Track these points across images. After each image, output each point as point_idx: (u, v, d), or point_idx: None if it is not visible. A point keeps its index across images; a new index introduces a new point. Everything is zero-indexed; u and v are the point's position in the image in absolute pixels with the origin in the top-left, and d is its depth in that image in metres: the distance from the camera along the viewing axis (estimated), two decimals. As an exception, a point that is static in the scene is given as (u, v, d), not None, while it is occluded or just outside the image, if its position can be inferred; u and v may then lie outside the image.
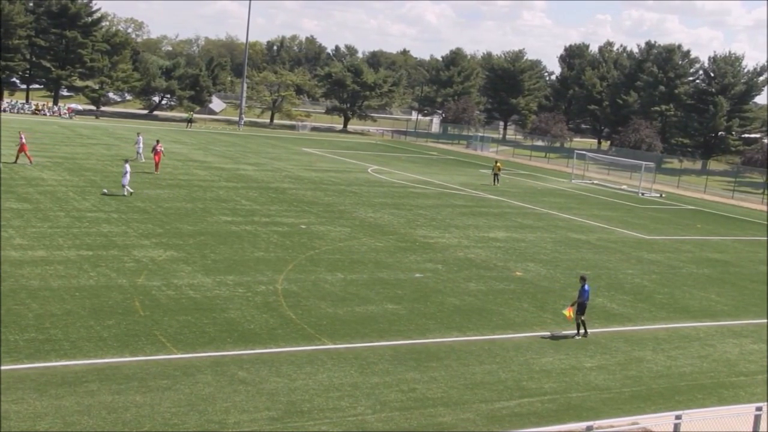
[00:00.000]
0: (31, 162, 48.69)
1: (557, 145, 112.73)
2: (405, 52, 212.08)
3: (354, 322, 23.92)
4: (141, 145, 57.47)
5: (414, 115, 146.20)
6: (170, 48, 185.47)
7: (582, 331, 24.49)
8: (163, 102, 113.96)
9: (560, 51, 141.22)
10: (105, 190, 41.37)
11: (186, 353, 19.85)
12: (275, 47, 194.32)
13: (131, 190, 41.02)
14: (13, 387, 16.76)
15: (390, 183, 58.80)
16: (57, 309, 22.15)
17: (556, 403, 19.04)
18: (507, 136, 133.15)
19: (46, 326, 20.65)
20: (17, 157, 48.81)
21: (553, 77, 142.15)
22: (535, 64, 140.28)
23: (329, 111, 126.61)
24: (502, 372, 20.79)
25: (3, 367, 17.75)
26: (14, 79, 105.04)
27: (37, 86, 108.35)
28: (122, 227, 33.51)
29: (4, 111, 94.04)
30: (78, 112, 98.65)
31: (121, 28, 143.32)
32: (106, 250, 29.37)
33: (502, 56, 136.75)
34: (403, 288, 28.33)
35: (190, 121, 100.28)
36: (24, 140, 49.34)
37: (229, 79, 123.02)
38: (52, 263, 26.78)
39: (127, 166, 41.23)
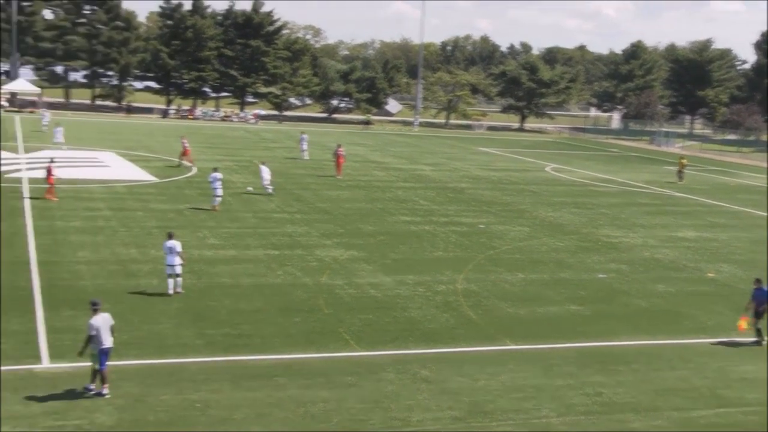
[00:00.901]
0: (191, 165, 51.04)
1: (751, 138, 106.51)
2: (582, 48, 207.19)
3: (535, 322, 23.51)
4: (305, 144, 59.92)
5: (592, 112, 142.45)
6: (347, 52, 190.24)
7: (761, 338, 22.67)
8: (341, 105, 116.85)
9: (755, 37, 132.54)
10: (250, 188, 42.67)
11: (369, 351, 20.15)
12: (449, 47, 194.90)
13: (270, 189, 41.96)
14: (212, 378, 17.61)
15: (570, 181, 57.54)
16: (247, 306, 23.10)
17: (760, 415, 17.79)
18: (694, 131, 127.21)
19: (238, 322, 21.58)
20: (180, 162, 51.36)
21: (746, 66, 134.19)
22: (725, 53, 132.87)
23: (505, 110, 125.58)
24: (695, 379, 19.74)
25: (202, 359, 18.72)
26: (205, 89, 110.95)
27: (225, 94, 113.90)
28: (305, 227, 34.56)
29: (197, 118, 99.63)
30: (262, 118, 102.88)
31: (301, 35, 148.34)
32: (291, 249, 30.37)
33: (687, 47, 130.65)
34: (586, 289, 27.57)
35: (367, 123, 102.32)
36: (187, 145, 51.91)
37: (405, 80, 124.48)
38: (242, 262, 27.97)
39: (263, 168, 42.22)
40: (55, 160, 40.20)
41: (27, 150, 53.98)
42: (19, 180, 41.30)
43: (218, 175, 37.27)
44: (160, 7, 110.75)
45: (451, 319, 23.22)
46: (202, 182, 44.98)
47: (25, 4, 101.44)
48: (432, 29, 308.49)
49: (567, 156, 78.34)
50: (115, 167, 49.39)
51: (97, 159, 52.59)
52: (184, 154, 51.36)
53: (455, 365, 19.44)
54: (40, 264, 25.71)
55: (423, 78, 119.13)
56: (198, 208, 37.03)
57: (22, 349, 18.46)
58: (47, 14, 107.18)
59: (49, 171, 37.43)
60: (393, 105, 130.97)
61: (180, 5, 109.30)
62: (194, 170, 49.60)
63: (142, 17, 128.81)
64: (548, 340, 21.88)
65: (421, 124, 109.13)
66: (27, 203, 35.27)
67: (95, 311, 16.58)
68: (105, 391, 16.29)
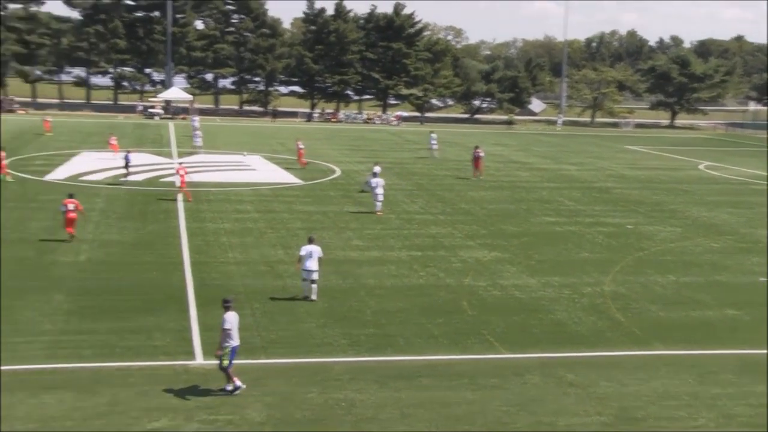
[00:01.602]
0: (304, 165, 51.76)
1: None
2: (740, 38, 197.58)
3: (689, 327, 22.51)
4: (435, 143, 60.70)
5: (752, 106, 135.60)
6: (489, 52, 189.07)
7: None
8: (483, 105, 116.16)
9: None
10: (372, 180, 41.75)
11: (514, 353, 19.83)
12: (594, 44, 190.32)
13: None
14: (357, 378, 17.77)
15: (726, 180, 54.99)
16: (391, 306, 23.21)
17: None
18: None
19: (383, 323, 21.71)
20: (301, 163, 52.21)
21: None
22: None
23: (654, 106, 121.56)
24: None
25: (347, 359, 18.94)
26: (348, 92, 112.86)
27: (367, 97, 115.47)
28: (448, 229, 34.47)
29: (340, 121, 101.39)
30: (404, 119, 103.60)
31: (442, 36, 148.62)
32: (434, 250, 30.34)
33: None
34: (746, 293, 26.18)
35: (509, 123, 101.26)
36: (302, 147, 52.71)
37: (548, 79, 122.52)
38: (385, 263, 28.16)
39: (377, 169, 42.13)
40: (184, 163, 41.93)
41: (180, 155, 56.40)
42: (173, 183, 43.15)
43: (380, 180, 37.65)
44: (304, 12, 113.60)
45: (599, 322, 22.55)
46: (346, 184, 45.76)
47: (178, 16, 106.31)
48: (576, 26, 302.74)
49: (722, 153, 74.96)
50: (261, 170, 50.89)
51: (244, 162, 54.34)
52: (298, 156, 52.44)
53: (603, 369, 18.85)
54: (192, 264, 26.73)
55: (567, 76, 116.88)
56: (359, 212, 37.62)
57: (177, 345, 19.22)
58: (198, 25, 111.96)
59: (180, 173, 39.12)
60: (536, 104, 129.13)
61: (323, 10, 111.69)
62: (338, 172, 50.47)
63: (286, 24, 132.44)
64: (703, 346, 20.90)
65: (566, 123, 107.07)
66: (180, 206, 36.79)
67: (227, 308, 16.95)
68: (229, 387, 16.70)
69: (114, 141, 54.44)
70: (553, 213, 39.31)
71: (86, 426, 14.92)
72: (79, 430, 14.77)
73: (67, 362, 17.82)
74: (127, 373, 17.37)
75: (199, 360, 18.36)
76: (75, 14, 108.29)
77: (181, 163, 41.43)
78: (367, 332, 20.90)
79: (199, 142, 59.61)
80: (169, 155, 56.17)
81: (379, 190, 37.31)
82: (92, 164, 49.62)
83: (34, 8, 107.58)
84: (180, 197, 38.24)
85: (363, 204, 39.33)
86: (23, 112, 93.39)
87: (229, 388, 16.61)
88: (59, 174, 45.24)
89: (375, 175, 39.24)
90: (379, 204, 37.20)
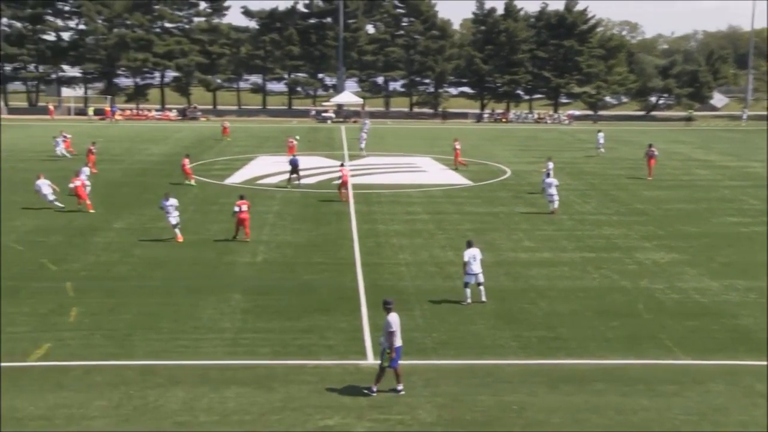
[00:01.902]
0: (464, 166, 51.43)
1: None
2: None
3: None
4: (602, 140, 60.19)
5: None
6: (666, 46, 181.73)
7: None
8: (660, 102, 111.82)
9: None
10: (546, 180, 39.69)
11: (694, 359, 18.86)
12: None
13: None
14: (528, 381, 17.47)
15: None
16: (563, 308, 22.67)
17: None
18: None
19: (554, 325, 21.23)
20: (457, 164, 51.92)
21: None
22: None
23: None
24: None
25: (518, 361, 18.64)
26: (518, 91, 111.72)
27: (538, 96, 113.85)
28: (623, 230, 33.34)
29: (511, 122, 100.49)
30: (576, 118, 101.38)
31: (616, 32, 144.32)
32: (608, 252, 29.42)
33: None
34: None
35: (689, 119, 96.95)
36: (458, 147, 52.34)
37: (732, 72, 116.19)
38: (557, 265, 27.56)
39: (550, 165, 40.61)
40: (346, 166, 42.66)
41: (351, 158, 57.61)
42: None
43: (553, 180, 37.06)
44: (473, 13, 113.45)
45: (789, 328, 21.10)
46: (516, 185, 45.23)
47: (350, 21, 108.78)
48: (763, 14, 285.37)
49: None
50: (431, 172, 51.13)
51: (414, 164, 54.80)
52: (455, 157, 52.18)
53: (795, 380, 17.59)
54: (364, 265, 27.17)
55: (754, 67, 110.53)
56: (530, 213, 37.21)
57: (348, 345, 19.56)
58: (369, 29, 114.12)
59: (342, 173, 40.03)
60: (718, 99, 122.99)
61: (493, 10, 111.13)
62: (509, 173, 49.98)
63: (456, 25, 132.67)
64: None
65: (751, 118, 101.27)
66: (352, 208, 37.52)
67: (389, 310, 16.97)
68: (400, 387, 16.74)
69: (293, 143, 56.22)
70: (736, 213, 37.24)
71: (262, 420, 15.44)
72: (255, 424, 15.30)
73: (245, 359, 18.53)
74: (301, 371, 17.84)
75: (371, 360, 18.58)
76: (252, 24, 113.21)
77: (342, 165, 42.20)
78: (538, 334, 20.50)
79: (362, 144, 61.08)
80: (341, 158, 57.49)
81: (552, 190, 36.63)
82: (268, 168, 51.53)
83: (216, 20, 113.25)
84: (351, 198, 39.03)
85: (534, 205, 38.72)
86: (204, 119, 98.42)
87: (400, 387, 16.73)
88: (237, 177, 47.29)
89: (548, 174, 38.57)
90: (553, 205, 36.53)
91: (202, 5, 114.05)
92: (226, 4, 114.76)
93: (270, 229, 32.88)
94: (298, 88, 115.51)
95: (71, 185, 35.99)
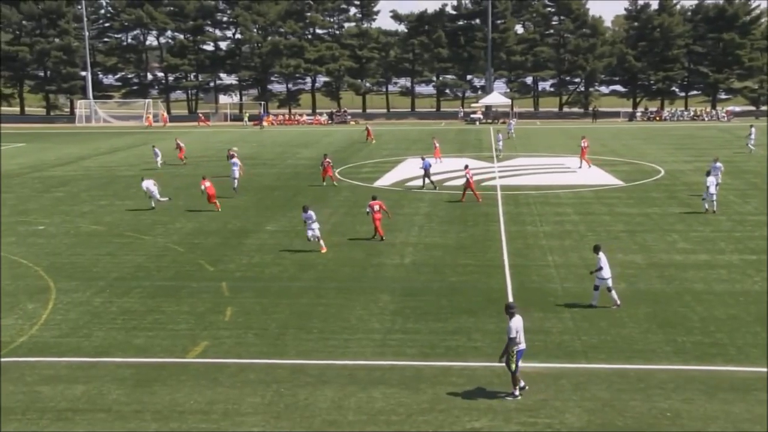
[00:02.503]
0: (588, 166, 50.47)
1: None
2: None
3: None
4: (753, 138, 57.88)
5: None
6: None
7: None
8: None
9: None
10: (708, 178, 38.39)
11: None
12: None
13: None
14: (683, 387, 16.78)
15: None
16: (721, 313, 21.64)
17: None
18: None
19: (711, 330, 20.30)
20: (582, 162, 50.98)
21: None
22: None
23: None
24: None
25: (672, 366, 17.94)
26: (673, 88, 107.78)
27: (694, 93, 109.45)
28: (789, 230, 31.53)
29: (665, 120, 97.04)
30: (736, 115, 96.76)
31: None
32: (772, 254, 27.91)
33: None
34: None
35: None
36: (586, 145, 51.19)
37: None
38: (714, 267, 26.35)
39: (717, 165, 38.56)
40: (468, 166, 41.99)
41: (499, 159, 57.16)
42: (494, 188, 43.83)
43: (712, 179, 35.58)
44: (626, 9, 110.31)
45: None
46: (671, 185, 43.61)
47: (498, 22, 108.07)
48: None
49: None
50: (581, 172, 49.99)
51: (564, 165, 53.77)
52: (581, 154, 51.34)
53: None
54: (512, 267, 26.88)
55: None
56: (685, 213, 35.88)
57: (496, 347, 19.29)
58: (518, 29, 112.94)
59: (467, 175, 39.71)
60: None
61: (647, 5, 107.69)
62: (662, 173, 48.24)
63: (608, 22, 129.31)
64: None
65: None
66: (500, 209, 37.20)
67: (512, 315, 16.70)
68: (517, 392, 16.50)
69: (437, 144, 56.41)
70: None
71: (410, 421, 15.52)
72: (403, 425, 15.40)
73: (393, 360, 18.69)
74: (448, 373, 17.82)
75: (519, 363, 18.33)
76: (401, 27, 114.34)
77: (466, 166, 41.74)
78: (694, 339, 19.64)
79: (500, 145, 60.66)
80: (489, 159, 57.15)
81: (712, 189, 35.08)
82: (417, 170, 51.81)
83: (365, 25, 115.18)
84: (500, 200, 38.75)
85: (689, 205, 37.23)
86: (354, 122, 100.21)
87: (516, 392, 16.53)
88: (386, 180, 47.84)
89: (709, 173, 36.94)
90: (712, 205, 35.02)
91: (353, 11, 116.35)
92: (375, 8, 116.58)
93: (418, 230, 33.07)
94: (447, 90, 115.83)
95: (202, 187, 37.72)
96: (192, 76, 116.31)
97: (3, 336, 20.63)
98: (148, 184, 38.53)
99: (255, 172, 50.91)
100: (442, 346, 19.58)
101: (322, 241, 29.39)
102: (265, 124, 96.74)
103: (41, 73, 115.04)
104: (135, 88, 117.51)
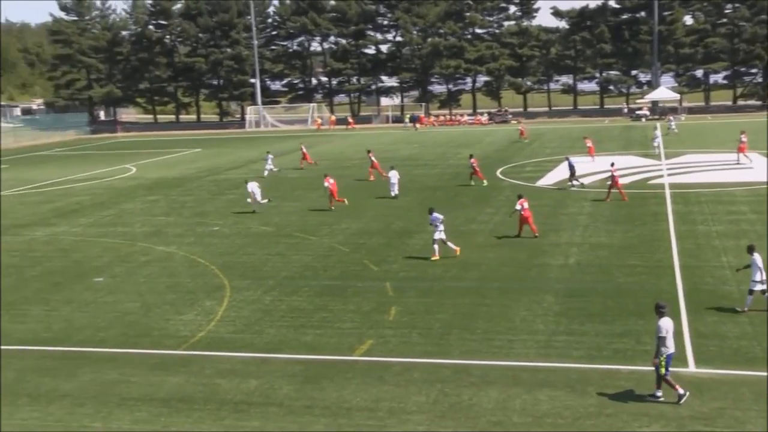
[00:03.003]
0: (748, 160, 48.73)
1: None
2: None
3: None
4: None
5: None
6: None
7: None
8: None
9: None
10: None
11: None
12: None
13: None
14: None
15: None
16: None
17: None
18: None
19: None
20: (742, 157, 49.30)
21: None
22: None
23: None
24: None
25: None
26: None
27: None
28: None
29: None
30: None
31: None
32: None
33: None
34: None
35: None
36: (744, 140, 49.16)
37: None
38: None
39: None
40: (614, 164, 40.28)
41: (667, 156, 55.08)
42: (662, 186, 42.29)
43: None
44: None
45: None
46: None
47: (665, 13, 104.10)
48: None
49: None
50: (759, 169, 47.36)
51: (739, 162, 51.12)
52: (739, 150, 49.71)
53: None
54: (683, 268, 25.85)
55: None
56: None
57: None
58: (687, 20, 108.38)
59: (613, 174, 38.72)
60: None
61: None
62: None
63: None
64: None
65: None
66: (669, 208, 35.85)
67: (662, 315, 16.08)
68: (659, 393, 15.99)
69: (590, 144, 55.10)
70: None
71: (577, 425, 15.23)
72: (570, 428, 15.12)
73: (558, 361, 18.39)
74: (616, 376, 17.35)
75: (692, 368, 17.63)
76: (562, 24, 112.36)
77: (612, 164, 40.17)
78: None
79: (655, 144, 58.27)
80: (656, 157, 55.18)
81: None
82: (580, 169, 50.71)
83: (525, 23, 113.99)
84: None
85: None
86: (515, 122, 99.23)
87: (659, 394, 16.04)
88: (549, 179, 47.10)
89: None
90: None
91: (512, 9, 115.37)
92: (535, 6, 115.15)
93: (582, 230, 32.39)
94: (610, 87, 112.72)
95: (326, 184, 39.26)
96: (354, 80, 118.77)
97: (185, 330, 21.81)
98: (253, 186, 40.12)
99: (417, 173, 51.37)
100: (609, 348, 19.09)
101: (451, 243, 28.80)
102: (418, 126, 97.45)
103: (215, 82, 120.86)
104: (300, 93, 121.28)
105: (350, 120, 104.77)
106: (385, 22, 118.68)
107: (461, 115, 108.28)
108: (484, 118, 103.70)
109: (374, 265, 28.20)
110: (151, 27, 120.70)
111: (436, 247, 28.49)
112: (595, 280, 25.04)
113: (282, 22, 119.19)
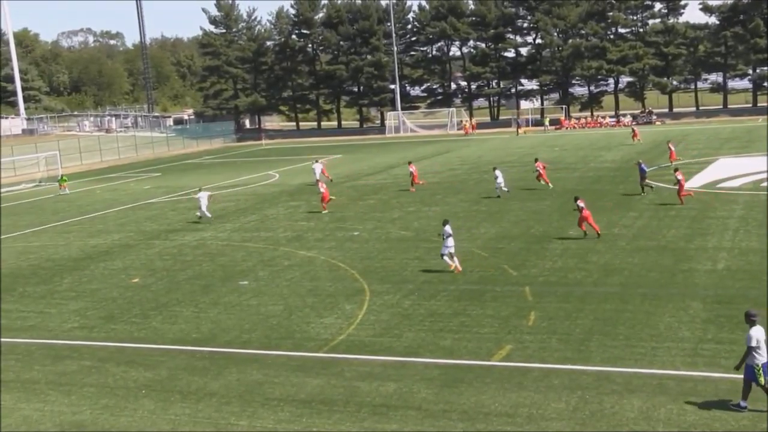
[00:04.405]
0: None
1: None
2: None
3: None
4: None
5: None
6: None
7: None
8: None
9: None
10: None
11: None
12: None
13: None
14: None
15: None
16: None
17: None
18: None
19: None
20: None
21: None
22: None
23: None
24: None
25: None
26: None
27: None
28: None
29: None
30: None
31: None
32: None
33: None
34: None
35: None
36: None
37: None
38: None
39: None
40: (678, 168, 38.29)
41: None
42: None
43: None
44: None
45: None
46: None
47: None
48: None
49: None
50: None
51: None
52: None
53: None
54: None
55: None
56: None
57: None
58: None
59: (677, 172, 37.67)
60: None
61: None
62: None
63: None
64: None
65: None
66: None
67: (752, 323, 15.30)
68: (744, 403, 15.30)
69: (672, 147, 53.06)
70: None
71: (726, 437, 14.61)
72: (718, 441, 14.54)
73: (706, 371, 17.66)
74: (769, 388, 16.52)
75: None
76: (712, 19, 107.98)
77: (676, 169, 38.03)
78: None
79: None
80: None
81: None
82: (729, 170, 48.68)
83: (671, 20, 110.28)
84: None
85: None
86: (659, 122, 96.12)
87: (743, 403, 15.45)
88: (696, 181, 45.35)
89: None
90: None
91: (657, 6, 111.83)
92: (682, 2, 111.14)
93: (732, 234, 31.01)
94: (765, 83, 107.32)
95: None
96: (494, 83, 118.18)
97: (325, 333, 22.29)
98: (202, 196, 43.19)
99: (557, 176, 50.58)
100: (762, 359, 18.18)
101: (448, 259, 28.01)
102: (521, 131, 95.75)
103: (355, 89, 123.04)
104: (439, 97, 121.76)
105: (472, 124, 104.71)
106: (525, 25, 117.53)
107: (603, 117, 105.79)
108: (627, 120, 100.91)
109: (513, 270, 27.95)
110: (294, 36, 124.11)
111: (446, 259, 28.03)
112: (746, 287, 23.90)
113: (421, 27, 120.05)
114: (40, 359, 21.90)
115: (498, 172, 44.86)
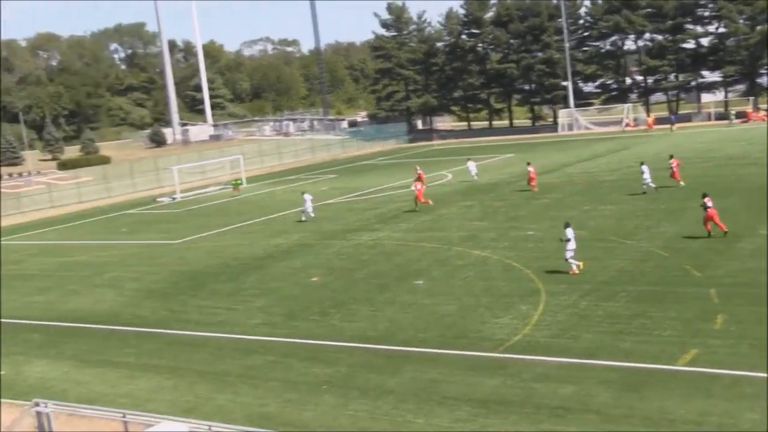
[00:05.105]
0: None
1: None
2: None
3: None
4: None
5: None
6: None
7: None
8: None
9: None
10: None
11: None
12: None
13: None
14: None
15: None
16: None
17: None
18: None
19: None
20: None
21: None
22: None
23: None
24: None
25: None
26: None
27: None
28: None
29: None
30: None
31: None
32: None
33: None
34: None
35: None
36: None
37: None
38: None
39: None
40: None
41: None
42: None
43: None
44: None
45: None
46: None
47: None
48: None
49: None
50: None
51: None
52: None
53: None
54: None
55: None
56: None
57: None
58: None
59: None
60: None
61: None
62: None
63: None
64: None
65: None
66: None
67: None
68: None
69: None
70: None
71: None
72: None
73: None
74: None
75: None
76: None
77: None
78: None
79: None
80: None
81: None
82: None
83: None
84: None
85: None
86: None
87: None
88: None
89: None
90: None
91: None
92: None
93: None
94: None
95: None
96: (672, 77, 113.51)
97: (501, 333, 22.17)
98: (307, 197, 46.04)
99: (743, 172, 47.95)
100: None
101: (573, 261, 28.09)
102: (674, 127, 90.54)
103: (526, 87, 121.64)
104: (614, 93, 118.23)
105: (628, 122, 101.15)
106: (707, 14, 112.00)
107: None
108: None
109: (696, 271, 26.74)
110: (464, 36, 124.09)
111: (572, 262, 28.02)
112: None
113: (594, 22, 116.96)
114: (230, 353, 23.07)
115: (644, 167, 43.80)
